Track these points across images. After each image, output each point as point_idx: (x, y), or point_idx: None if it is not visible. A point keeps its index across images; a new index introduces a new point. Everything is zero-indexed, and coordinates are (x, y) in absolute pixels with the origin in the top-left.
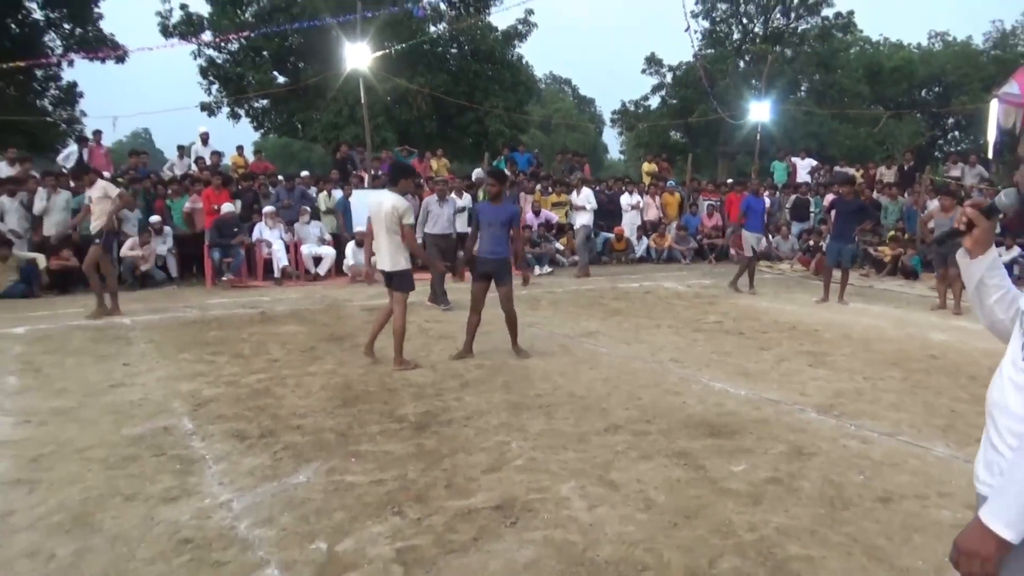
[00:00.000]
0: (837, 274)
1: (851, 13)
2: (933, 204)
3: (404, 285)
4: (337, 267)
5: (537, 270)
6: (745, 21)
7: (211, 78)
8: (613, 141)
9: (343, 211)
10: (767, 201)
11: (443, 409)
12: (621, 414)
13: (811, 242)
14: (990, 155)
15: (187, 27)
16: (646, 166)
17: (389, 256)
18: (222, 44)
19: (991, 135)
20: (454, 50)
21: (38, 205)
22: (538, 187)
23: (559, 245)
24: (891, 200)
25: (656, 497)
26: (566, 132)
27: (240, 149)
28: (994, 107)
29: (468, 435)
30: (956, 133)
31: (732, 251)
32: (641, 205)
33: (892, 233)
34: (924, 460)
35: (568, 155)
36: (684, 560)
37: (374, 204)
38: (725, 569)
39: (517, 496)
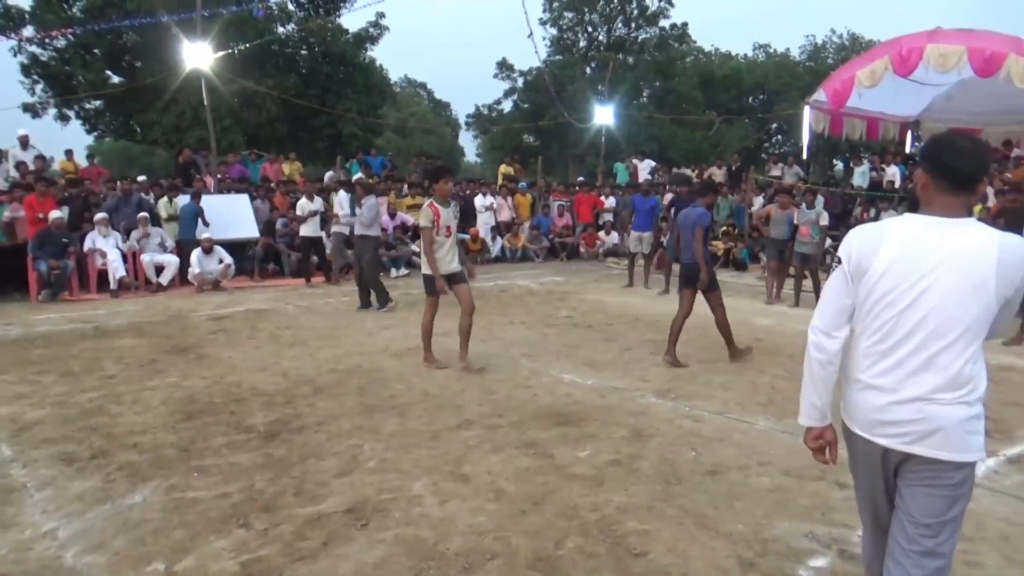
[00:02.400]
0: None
1: (685, 24)
2: (759, 201)
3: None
4: (182, 276)
5: (393, 272)
6: (590, 29)
7: (35, 77)
8: (470, 144)
9: (192, 217)
10: (655, 200)
11: (294, 416)
12: (474, 409)
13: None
14: (805, 156)
15: (5, 21)
16: (503, 168)
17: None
18: (47, 40)
19: (805, 138)
20: (304, 51)
21: None
22: (393, 190)
23: (415, 247)
24: (722, 198)
25: (506, 487)
26: (422, 135)
27: (70, 153)
28: (807, 113)
29: (320, 441)
30: (779, 136)
31: (582, 249)
32: (495, 206)
33: (724, 228)
34: (748, 434)
35: (423, 158)
36: (531, 544)
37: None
38: (569, 549)
39: (369, 498)
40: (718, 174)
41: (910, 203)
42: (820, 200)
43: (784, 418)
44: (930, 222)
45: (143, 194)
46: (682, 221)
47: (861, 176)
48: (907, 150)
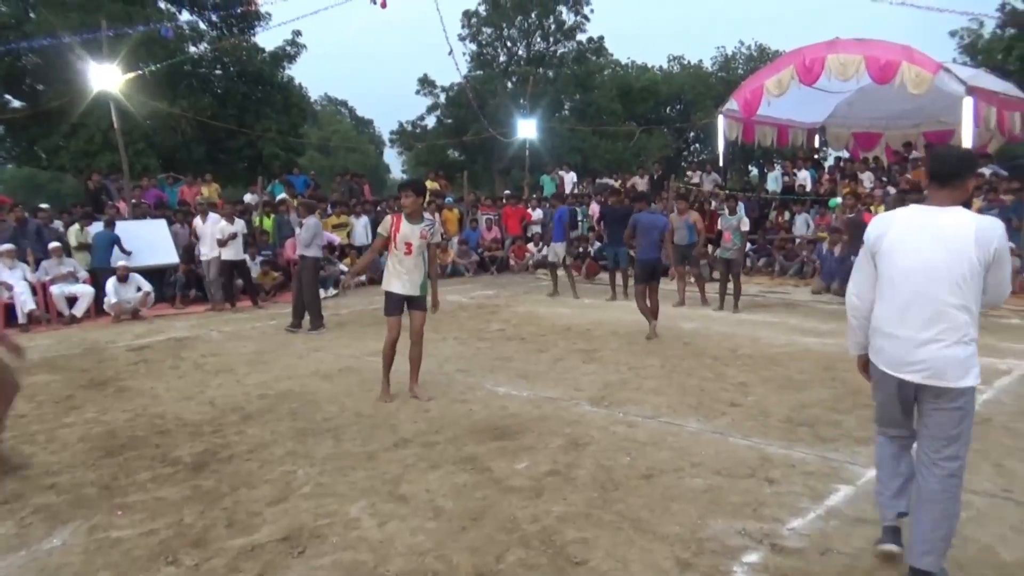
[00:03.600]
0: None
1: (601, 38)
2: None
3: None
4: (97, 307)
5: (322, 292)
6: (509, 44)
7: None
8: (395, 161)
9: (106, 245)
10: (561, 211)
11: (223, 446)
12: (410, 428)
13: (581, 248)
14: (721, 163)
15: None
16: (428, 183)
17: None
18: None
19: (720, 146)
20: (219, 71)
21: None
22: (317, 210)
23: (343, 267)
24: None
25: (445, 504)
26: (346, 153)
27: None
28: (721, 122)
29: (251, 469)
30: (697, 145)
31: (512, 262)
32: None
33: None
34: (680, 436)
35: (348, 176)
36: (472, 560)
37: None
38: (511, 562)
39: (304, 524)
40: (640, 183)
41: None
42: (741, 206)
43: (714, 419)
44: (925, 210)
45: (49, 222)
46: (647, 224)
47: (774, 181)
48: (816, 155)
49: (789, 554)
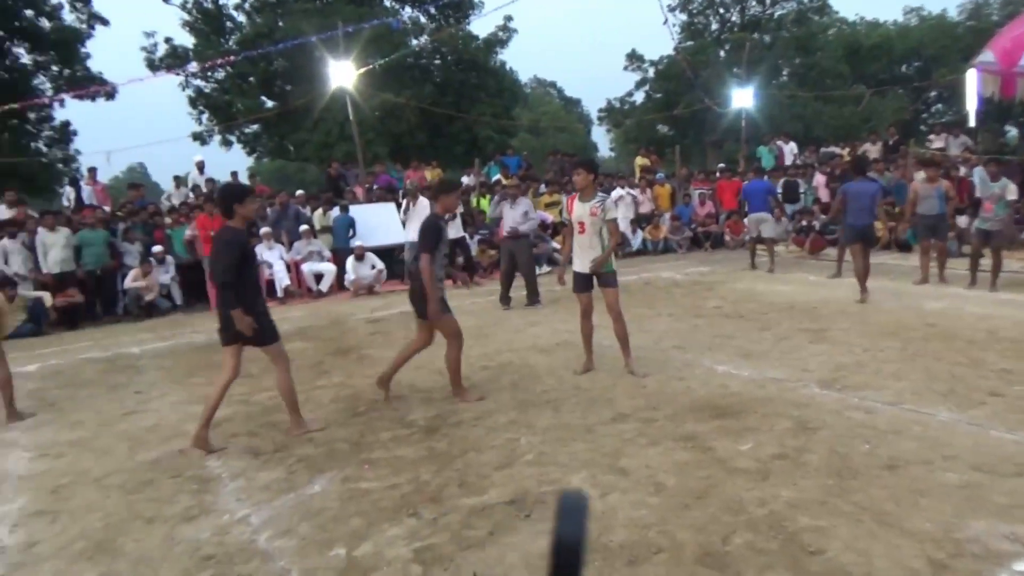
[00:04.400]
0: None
1: None
2: (920, 175)
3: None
4: (339, 283)
5: (536, 269)
6: (722, 11)
7: (201, 107)
8: (602, 138)
9: (345, 227)
10: (766, 182)
11: (452, 412)
12: (627, 403)
13: (804, 223)
14: (972, 124)
15: (173, 59)
16: (639, 160)
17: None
18: (208, 73)
19: (971, 105)
20: (438, 61)
21: (39, 244)
22: (531, 189)
23: (555, 244)
24: (879, 175)
25: (666, 480)
26: (555, 133)
27: (234, 175)
28: (972, 77)
29: (478, 435)
30: (939, 105)
31: (727, 237)
32: (626, 199)
33: (883, 208)
34: (928, 426)
35: (559, 155)
36: (697, 539)
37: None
38: (738, 545)
39: (529, 489)
40: (872, 150)
41: None
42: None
43: (969, 409)
44: None
45: (300, 207)
46: (856, 192)
47: None
48: None
49: None
